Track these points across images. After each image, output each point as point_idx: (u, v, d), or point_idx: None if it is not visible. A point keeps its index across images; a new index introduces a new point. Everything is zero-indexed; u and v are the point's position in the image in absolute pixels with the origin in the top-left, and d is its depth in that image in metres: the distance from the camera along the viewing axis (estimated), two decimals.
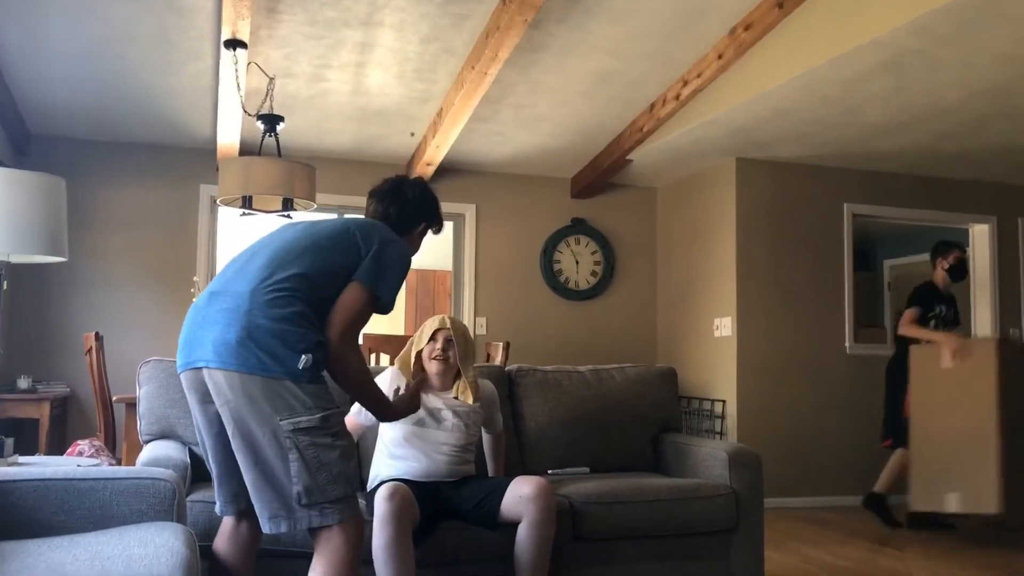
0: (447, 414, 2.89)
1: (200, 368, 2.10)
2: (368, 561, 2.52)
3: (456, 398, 2.93)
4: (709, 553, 3.16)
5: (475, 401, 2.92)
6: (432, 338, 2.91)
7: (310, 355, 2.04)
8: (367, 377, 2.25)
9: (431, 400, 2.90)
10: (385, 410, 2.40)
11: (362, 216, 2.43)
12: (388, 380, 2.93)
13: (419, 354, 2.94)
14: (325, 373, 2.15)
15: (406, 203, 2.44)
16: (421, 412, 2.87)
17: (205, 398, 2.14)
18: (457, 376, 2.95)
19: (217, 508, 2.30)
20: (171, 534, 1.99)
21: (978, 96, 4.57)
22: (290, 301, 2.08)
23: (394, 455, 2.88)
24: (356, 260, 2.19)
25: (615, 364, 3.83)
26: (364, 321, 2.19)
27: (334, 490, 2.05)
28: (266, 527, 2.09)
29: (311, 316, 2.10)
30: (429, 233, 2.56)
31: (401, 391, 2.72)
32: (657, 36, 4.45)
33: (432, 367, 2.90)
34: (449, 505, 2.80)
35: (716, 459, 3.29)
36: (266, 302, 2.07)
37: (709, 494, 3.14)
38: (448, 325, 2.91)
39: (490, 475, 3.05)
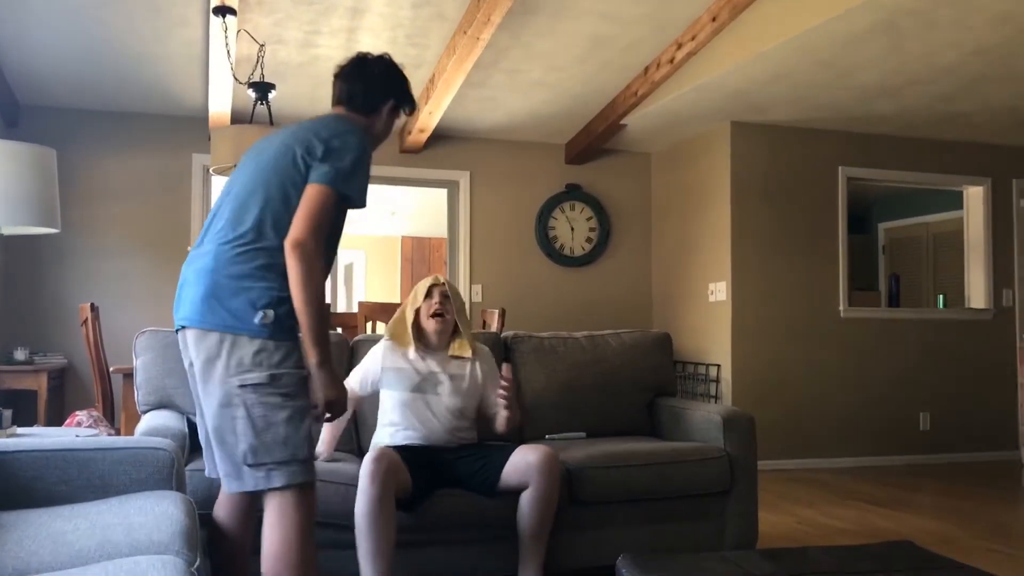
0: (443, 377, 2.92)
1: (182, 328, 2.13)
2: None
3: (454, 357, 2.95)
4: (704, 515, 3.20)
5: (473, 355, 2.95)
6: (428, 294, 2.93)
7: (270, 311, 2.02)
8: (321, 292, 2.05)
9: (429, 365, 2.93)
10: (326, 349, 2.09)
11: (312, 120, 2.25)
12: (380, 355, 2.94)
13: (416, 315, 2.95)
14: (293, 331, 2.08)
15: (371, 80, 2.32)
16: (418, 378, 2.89)
17: (190, 360, 2.15)
18: (454, 334, 2.98)
19: (207, 470, 2.28)
20: (170, 503, 2.01)
21: (974, 57, 4.54)
22: (253, 255, 2.05)
23: (393, 423, 2.90)
24: (304, 174, 2.10)
25: (610, 330, 3.85)
26: (327, 219, 2.07)
27: (280, 452, 2.01)
28: (224, 486, 2.12)
29: (278, 266, 2.04)
30: (403, 116, 2.43)
31: (398, 365, 2.75)
32: None
33: (431, 324, 2.92)
34: (448, 472, 2.83)
35: (710, 422, 3.32)
36: (228, 259, 2.06)
37: (704, 457, 3.18)
38: (442, 281, 2.96)
39: (501, 425, 2.97)
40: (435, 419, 2.89)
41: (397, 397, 2.89)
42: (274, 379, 2.01)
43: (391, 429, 2.90)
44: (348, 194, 2.11)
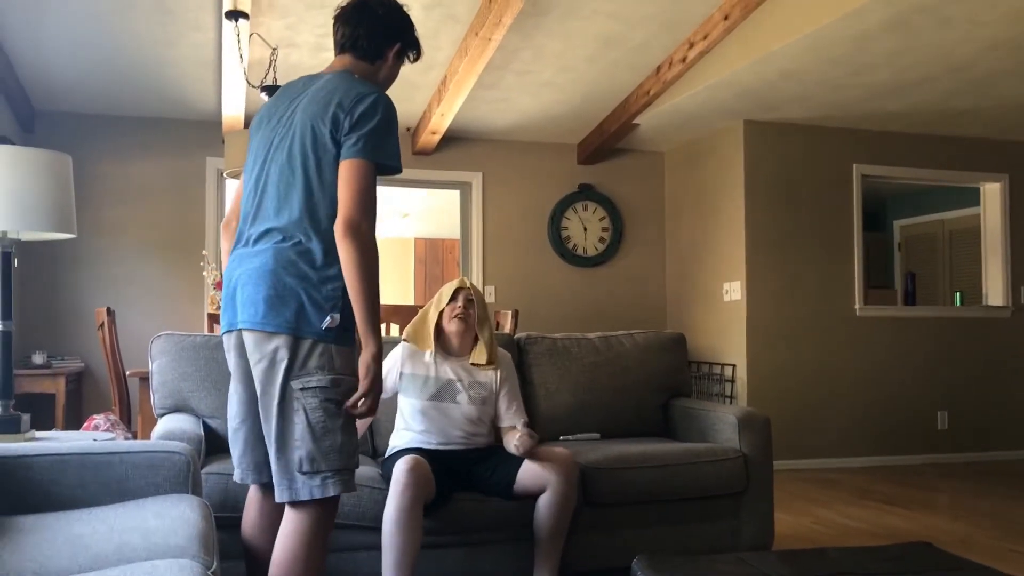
0: (461, 386, 2.91)
1: (238, 330, 2.06)
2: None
3: (473, 364, 2.95)
4: (720, 516, 3.19)
5: (490, 362, 2.94)
6: (452, 298, 2.94)
7: (336, 315, 1.98)
8: (376, 276, 1.99)
9: (447, 372, 2.92)
10: (377, 337, 2.02)
11: (325, 87, 2.10)
12: (399, 359, 2.94)
13: (439, 318, 2.95)
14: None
15: (376, 21, 2.18)
16: (437, 386, 2.89)
17: (242, 358, 2.09)
18: (475, 341, 2.98)
19: (236, 475, 2.20)
20: (187, 506, 2.02)
21: (988, 52, 4.50)
22: (313, 253, 1.99)
23: (410, 427, 2.90)
24: (338, 149, 2.02)
25: (624, 330, 3.84)
26: (373, 194, 2.01)
27: (336, 459, 1.98)
28: (276, 495, 2.02)
29: (338, 262, 1.98)
30: (407, 63, 2.30)
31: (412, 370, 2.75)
32: None
33: (453, 326, 2.91)
34: (465, 475, 2.84)
35: (726, 423, 3.31)
36: (289, 259, 1.99)
37: (719, 458, 3.16)
38: (468, 285, 2.96)
39: (509, 448, 2.90)
40: (452, 426, 2.89)
41: (415, 404, 2.88)
42: (335, 384, 1.98)
43: (408, 434, 2.90)
44: (385, 163, 2.04)
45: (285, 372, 1.97)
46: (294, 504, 2.00)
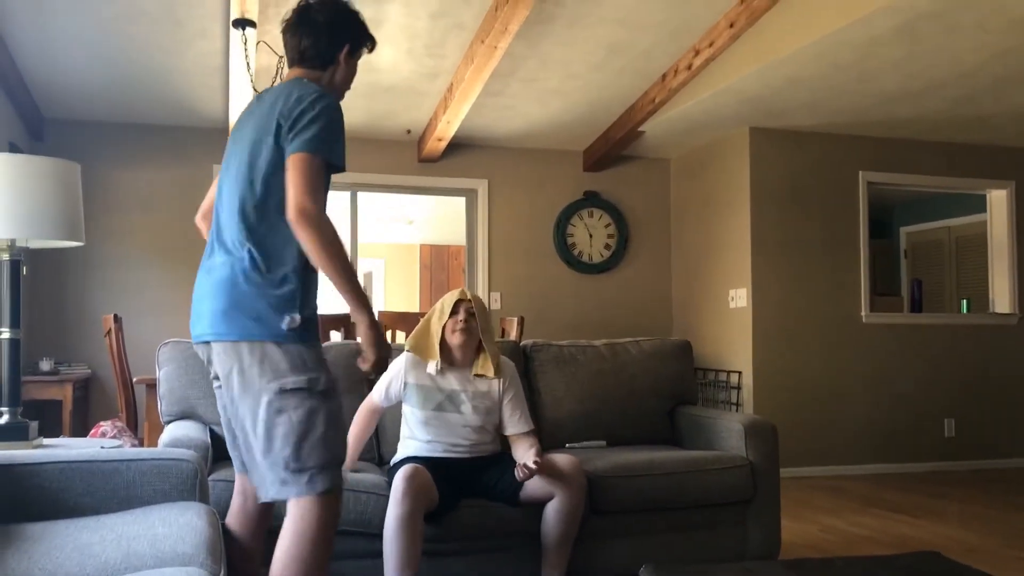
0: (465, 396, 2.90)
1: (207, 342, 2.10)
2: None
3: (477, 375, 2.93)
4: (726, 524, 3.18)
5: (495, 374, 2.93)
6: (454, 310, 2.92)
7: (296, 314, 2.00)
8: (344, 253, 2.01)
9: (451, 383, 2.91)
10: (367, 311, 2.06)
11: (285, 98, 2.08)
12: (403, 369, 2.93)
13: (443, 329, 2.94)
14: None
15: (318, 29, 2.16)
16: (440, 396, 2.89)
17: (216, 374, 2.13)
18: (478, 351, 2.97)
19: (236, 466, 2.25)
20: (194, 513, 2.02)
21: (996, 59, 4.50)
22: (265, 258, 2.02)
23: (415, 436, 2.90)
24: (282, 156, 2.02)
25: (630, 338, 3.84)
26: (320, 182, 2.00)
27: (322, 455, 1.99)
28: (260, 495, 2.07)
29: (294, 262, 2.02)
30: (365, 54, 2.28)
31: (418, 379, 2.75)
32: (667, 5, 4.40)
33: (455, 339, 2.90)
34: (471, 482, 2.83)
35: (732, 431, 3.31)
36: (244, 267, 2.01)
37: (725, 466, 3.16)
38: (468, 296, 2.94)
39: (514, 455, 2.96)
40: (457, 435, 2.89)
41: (420, 415, 2.88)
42: (312, 383, 2.00)
43: (414, 443, 2.90)
44: (328, 158, 2.02)
45: (258, 378, 1.99)
46: (294, 503, 2.00)
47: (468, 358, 2.95)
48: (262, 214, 2.04)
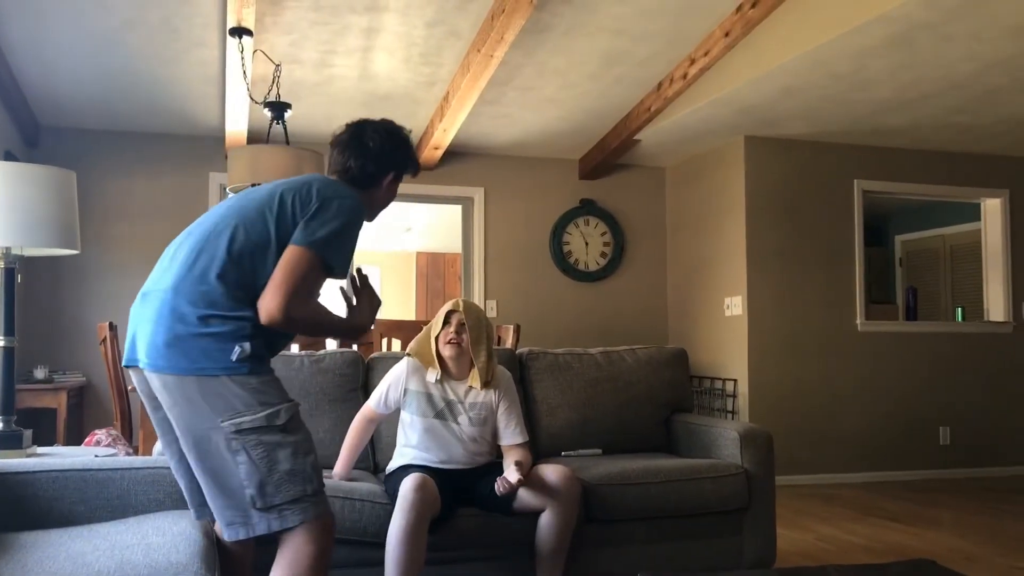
0: (462, 407, 2.89)
1: (140, 368, 1.95)
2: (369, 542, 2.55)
3: (472, 386, 2.92)
4: (722, 532, 3.18)
5: (483, 386, 2.91)
6: (446, 321, 2.91)
7: (245, 344, 1.87)
8: (322, 321, 1.99)
9: (448, 393, 2.90)
10: (355, 329, 2.11)
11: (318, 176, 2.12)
12: (404, 375, 2.92)
13: (437, 340, 2.93)
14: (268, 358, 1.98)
15: (368, 154, 2.16)
16: (440, 405, 2.88)
17: (153, 400, 1.98)
18: (472, 363, 2.95)
19: (193, 515, 2.09)
20: (188, 523, 2.02)
21: (990, 69, 4.52)
22: (216, 288, 1.89)
23: (412, 445, 2.89)
24: (291, 225, 1.95)
25: (626, 346, 3.84)
26: (310, 286, 1.94)
27: (291, 489, 1.87)
28: (224, 534, 1.93)
29: (243, 298, 1.90)
30: (406, 178, 2.29)
31: (418, 387, 2.75)
32: (663, 14, 4.42)
33: (447, 351, 2.88)
34: (466, 492, 2.83)
35: (728, 439, 3.31)
36: (190, 298, 1.89)
37: (721, 474, 3.16)
38: (460, 308, 2.89)
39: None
40: (454, 445, 2.88)
41: (419, 423, 2.87)
42: (270, 418, 1.87)
43: (411, 451, 2.89)
44: (331, 263, 1.96)
45: (211, 415, 1.86)
46: (279, 534, 1.91)
47: (463, 369, 2.93)
48: (224, 285, 1.91)
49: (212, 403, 1.86)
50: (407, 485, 2.57)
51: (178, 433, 1.92)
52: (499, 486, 2.67)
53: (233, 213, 2.01)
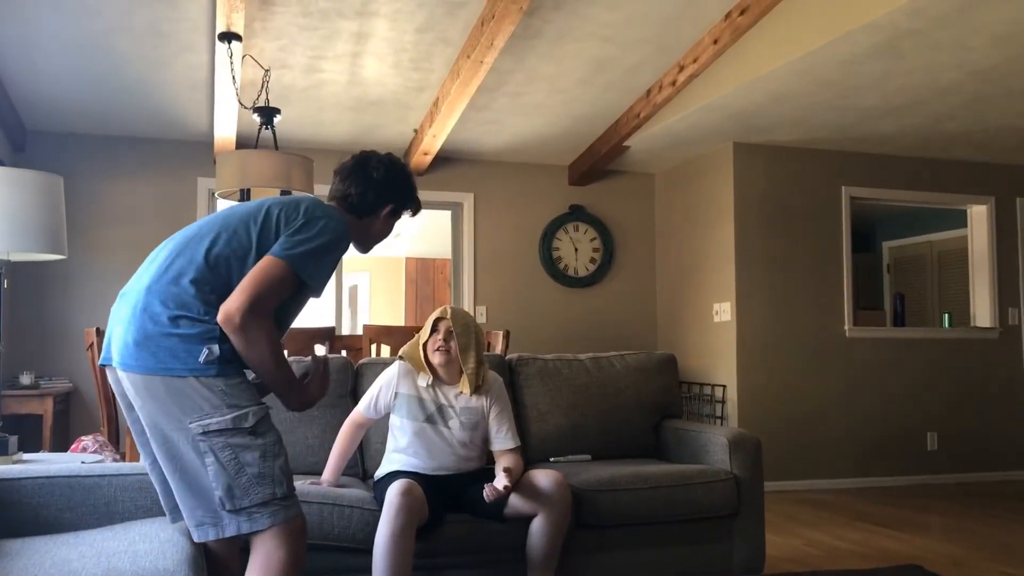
0: (452, 412, 2.89)
1: (113, 367, 1.98)
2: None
3: (462, 392, 2.92)
4: (711, 538, 3.18)
5: (472, 392, 2.91)
6: (434, 328, 2.91)
7: (213, 346, 1.88)
8: (275, 358, 1.96)
9: (439, 398, 2.90)
10: (294, 397, 2.07)
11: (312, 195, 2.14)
12: (395, 378, 2.92)
13: (425, 347, 2.93)
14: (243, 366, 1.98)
15: (369, 182, 2.19)
16: (430, 410, 2.87)
17: (127, 400, 1.99)
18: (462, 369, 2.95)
19: (168, 518, 2.09)
20: (175, 529, 2.01)
21: (976, 77, 4.56)
22: (189, 291, 1.91)
23: (402, 450, 2.88)
24: (274, 237, 1.98)
25: (615, 351, 3.84)
26: (275, 295, 1.93)
27: (259, 492, 1.88)
28: (194, 535, 1.94)
29: (215, 302, 1.91)
30: (406, 217, 2.31)
31: (410, 389, 2.73)
32: (653, 22, 4.44)
33: (435, 359, 2.88)
34: (457, 497, 2.82)
35: (716, 444, 3.31)
36: (162, 298, 1.91)
37: (710, 479, 3.16)
38: (448, 315, 2.89)
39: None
40: (444, 450, 2.87)
41: (408, 427, 2.86)
42: (237, 420, 1.88)
43: (400, 456, 2.88)
44: (304, 279, 1.97)
45: (180, 416, 1.87)
46: (251, 537, 1.91)
47: (453, 376, 2.93)
48: (197, 288, 1.93)
49: (180, 403, 1.87)
50: (393, 491, 2.56)
51: (148, 433, 1.93)
52: (487, 493, 2.66)
53: (218, 222, 2.05)
